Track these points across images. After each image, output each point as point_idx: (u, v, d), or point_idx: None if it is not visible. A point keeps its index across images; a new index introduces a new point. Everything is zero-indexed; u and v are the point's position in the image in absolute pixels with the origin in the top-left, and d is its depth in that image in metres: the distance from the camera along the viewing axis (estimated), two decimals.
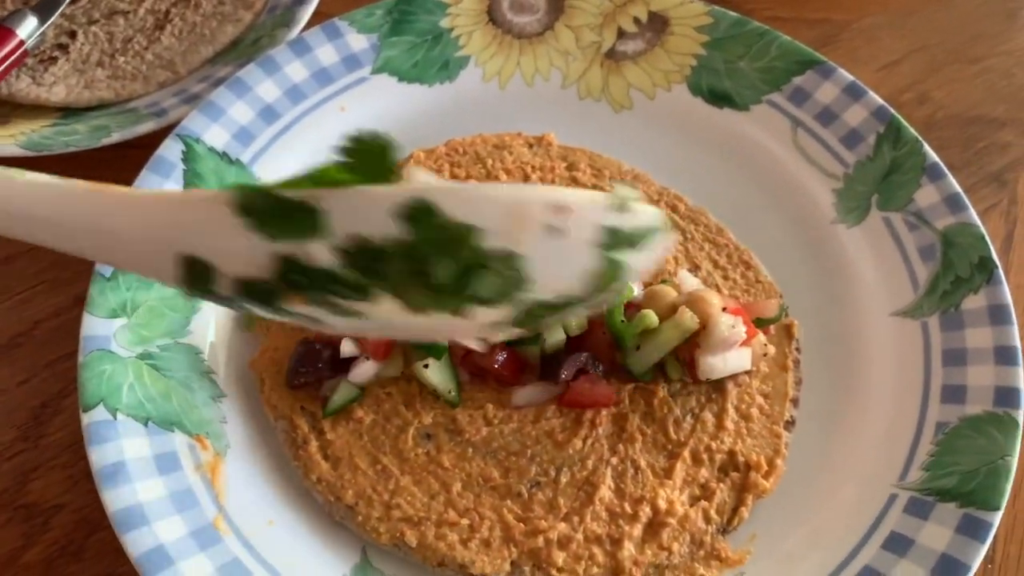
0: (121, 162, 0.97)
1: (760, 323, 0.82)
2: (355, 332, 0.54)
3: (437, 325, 0.52)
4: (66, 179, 0.53)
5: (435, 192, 0.47)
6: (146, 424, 0.76)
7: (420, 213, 0.47)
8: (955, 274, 0.85)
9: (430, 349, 0.79)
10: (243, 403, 0.81)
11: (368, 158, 0.50)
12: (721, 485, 0.77)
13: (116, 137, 0.94)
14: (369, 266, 0.48)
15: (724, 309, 0.78)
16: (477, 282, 0.49)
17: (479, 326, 0.53)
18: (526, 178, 0.94)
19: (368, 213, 0.47)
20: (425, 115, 1.00)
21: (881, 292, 0.87)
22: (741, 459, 0.78)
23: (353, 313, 0.51)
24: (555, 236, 0.49)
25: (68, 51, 1.04)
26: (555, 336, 0.79)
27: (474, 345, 0.74)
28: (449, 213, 0.47)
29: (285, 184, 0.48)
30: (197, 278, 0.51)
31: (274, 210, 0.47)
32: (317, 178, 0.48)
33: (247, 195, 0.48)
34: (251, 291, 0.50)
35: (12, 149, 0.93)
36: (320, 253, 0.47)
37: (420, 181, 0.52)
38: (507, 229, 0.48)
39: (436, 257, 0.48)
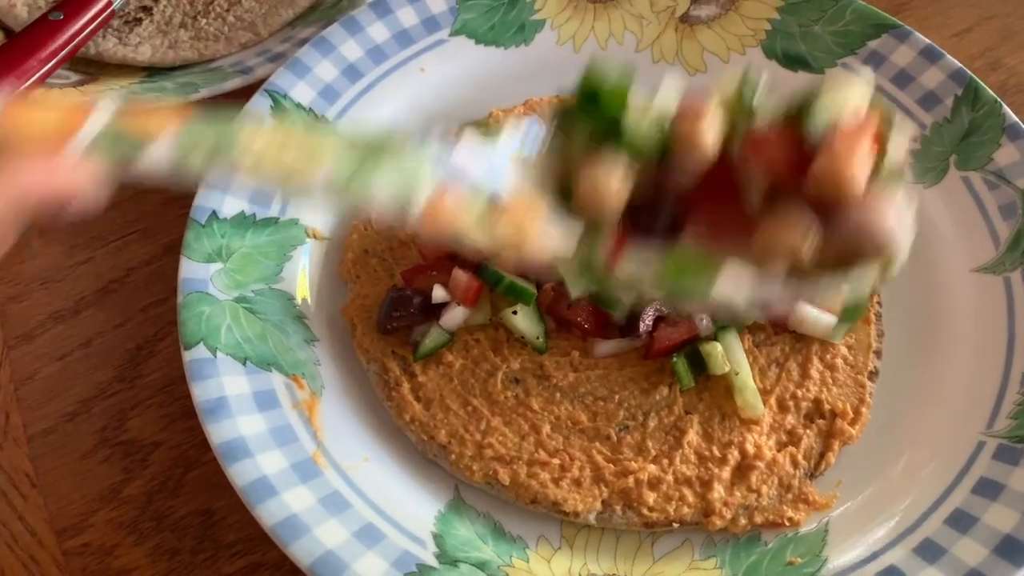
0: None
1: None
2: None
3: None
4: None
5: None
6: (244, 363, 0.78)
7: None
8: None
9: (519, 295, 0.80)
10: (334, 347, 0.83)
11: None
12: (807, 432, 0.78)
13: (204, 93, 0.96)
14: None
15: None
16: None
17: None
18: None
19: None
20: (502, 77, 1.02)
21: (961, 249, 0.88)
22: (827, 407, 0.79)
23: None
24: None
25: (152, 13, 1.06)
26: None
27: None
28: None
29: None
30: None
31: None
32: None
33: None
34: None
35: None
36: None
37: None
38: None
39: None
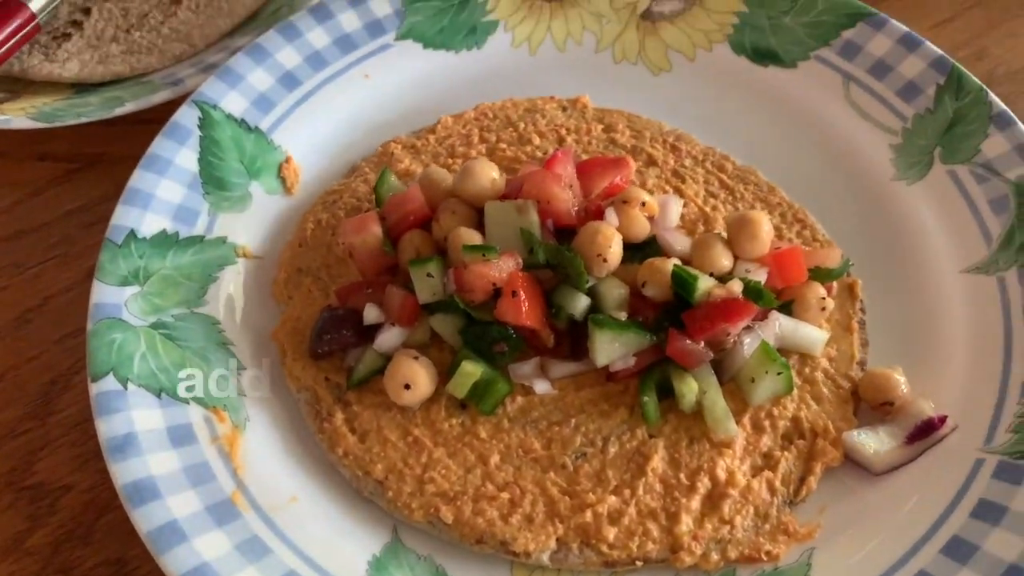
0: (135, 136, 0.93)
1: (820, 275, 0.75)
2: None
3: None
4: None
5: None
6: (159, 395, 0.70)
7: None
8: None
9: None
10: (262, 375, 0.76)
11: None
12: (786, 454, 0.70)
13: (130, 107, 0.90)
14: None
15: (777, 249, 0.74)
16: None
17: None
18: (560, 141, 0.89)
19: None
20: (453, 83, 0.95)
21: (949, 249, 0.81)
22: (807, 426, 0.71)
23: None
24: None
25: (82, 27, 1.00)
26: (581, 303, 0.72)
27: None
28: None
29: None
30: None
31: None
32: None
33: None
34: None
35: (23, 121, 0.89)
36: None
37: None
38: None
39: None
